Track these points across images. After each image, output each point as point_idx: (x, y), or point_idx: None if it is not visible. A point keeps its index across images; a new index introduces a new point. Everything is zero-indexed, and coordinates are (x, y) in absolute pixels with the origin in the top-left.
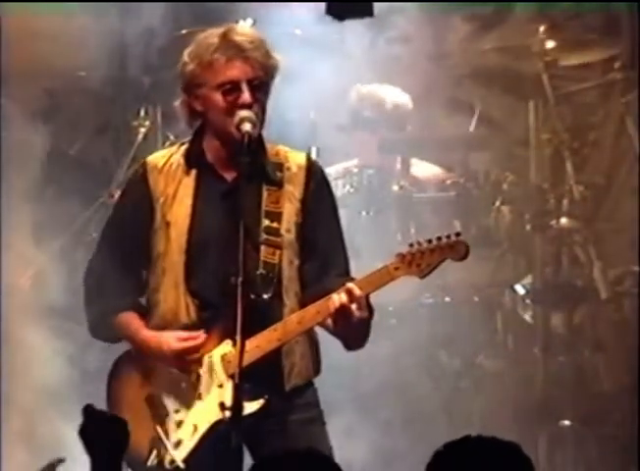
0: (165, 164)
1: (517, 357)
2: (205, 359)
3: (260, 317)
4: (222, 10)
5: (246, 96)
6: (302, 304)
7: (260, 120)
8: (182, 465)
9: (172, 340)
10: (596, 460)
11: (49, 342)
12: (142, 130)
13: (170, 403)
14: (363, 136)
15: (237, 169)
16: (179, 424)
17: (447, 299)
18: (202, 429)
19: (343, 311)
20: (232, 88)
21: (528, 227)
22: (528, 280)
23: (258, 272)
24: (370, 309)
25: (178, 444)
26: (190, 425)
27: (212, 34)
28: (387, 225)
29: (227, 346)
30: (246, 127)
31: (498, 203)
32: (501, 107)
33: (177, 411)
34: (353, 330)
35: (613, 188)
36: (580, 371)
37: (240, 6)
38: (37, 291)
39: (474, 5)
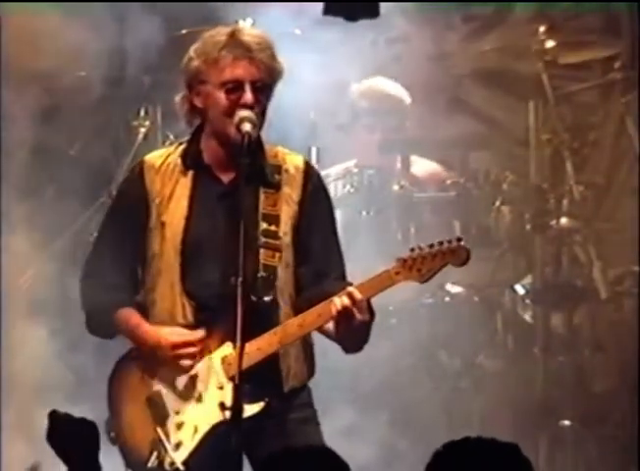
0: (162, 164)
1: (517, 357)
2: (205, 361)
3: (257, 319)
4: (222, 10)
5: (249, 97)
6: (298, 307)
7: (260, 122)
8: (181, 467)
9: (170, 333)
10: (596, 460)
11: (49, 342)
12: (142, 129)
13: (170, 405)
14: (363, 136)
15: (234, 170)
16: (179, 425)
17: (447, 299)
18: (203, 430)
19: (344, 314)
20: (235, 87)
21: (528, 227)
22: (528, 280)
23: (259, 274)
24: (371, 312)
25: (178, 445)
26: (191, 426)
27: (220, 32)
28: (387, 225)
29: (227, 348)
30: (246, 127)
31: (498, 203)
32: (501, 107)
33: (177, 412)
34: (354, 333)
35: (613, 188)
36: (580, 371)
37: (240, 6)
38: (37, 291)
39: (474, 5)
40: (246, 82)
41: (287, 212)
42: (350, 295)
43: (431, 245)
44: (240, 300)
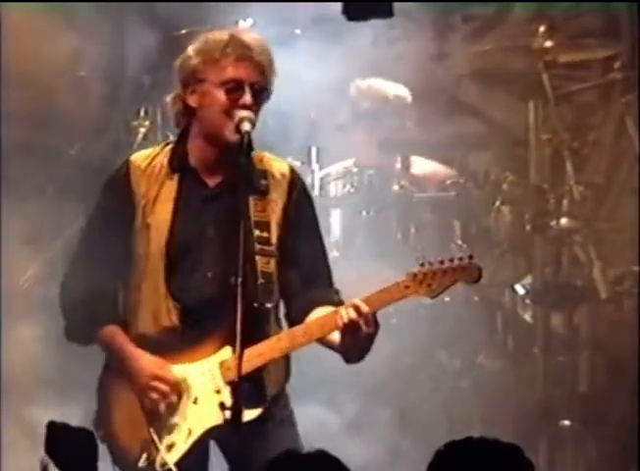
0: (148, 165)
1: (517, 357)
2: (203, 364)
3: (251, 325)
4: (222, 10)
5: (248, 97)
6: (286, 314)
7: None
8: (174, 468)
9: (154, 361)
10: (596, 460)
11: (49, 342)
12: (142, 130)
13: (164, 406)
14: (363, 136)
15: (221, 173)
16: (173, 427)
17: (447, 299)
18: (197, 433)
19: (351, 326)
20: (235, 88)
21: (528, 227)
22: (528, 280)
23: (259, 282)
24: (376, 324)
25: (170, 446)
26: (185, 429)
27: (221, 33)
28: (387, 225)
29: (226, 353)
30: (246, 126)
31: (498, 203)
32: (500, 107)
33: (171, 414)
34: (359, 345)
35: (613, 188)
36: (580, 371)
37: (240, 6)
38: (37, 291)
39: (474, 5)
40: (246, 84)
41: (274, 218)
42: (357, 308)
43: (441, 261)
44: (240, 302)
